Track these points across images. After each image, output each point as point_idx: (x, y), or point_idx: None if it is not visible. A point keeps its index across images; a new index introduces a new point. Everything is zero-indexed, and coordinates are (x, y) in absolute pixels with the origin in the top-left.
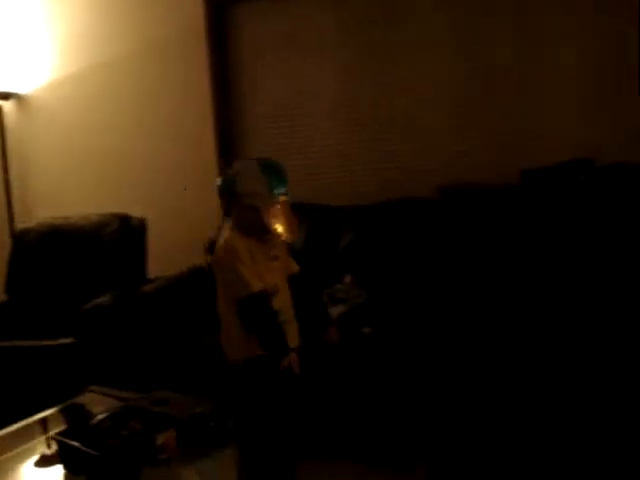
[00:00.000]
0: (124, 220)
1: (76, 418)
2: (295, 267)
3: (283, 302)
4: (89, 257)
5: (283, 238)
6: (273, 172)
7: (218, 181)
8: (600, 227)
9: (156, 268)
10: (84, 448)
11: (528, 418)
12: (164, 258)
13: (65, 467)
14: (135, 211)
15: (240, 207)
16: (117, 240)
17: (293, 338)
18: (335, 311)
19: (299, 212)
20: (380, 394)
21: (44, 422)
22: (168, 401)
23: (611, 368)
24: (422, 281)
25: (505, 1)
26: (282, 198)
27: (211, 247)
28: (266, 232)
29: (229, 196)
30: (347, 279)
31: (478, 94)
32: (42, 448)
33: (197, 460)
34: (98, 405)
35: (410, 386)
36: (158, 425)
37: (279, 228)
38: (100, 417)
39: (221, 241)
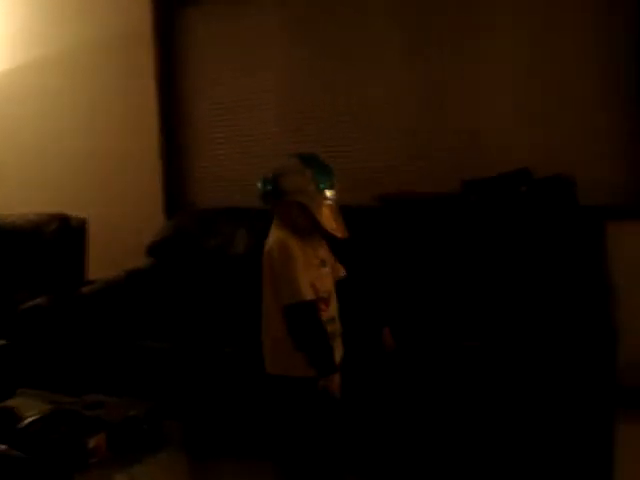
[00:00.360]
0: (63, 221)
1: (5, 421)
2: (342, 271)
3: (333, 311)
4: (27, 258)
5: (335, 235)
6: (316, 166)
7: (259, 185)
8: (538, 236)
9: (97, 269)
10: (12, 452)
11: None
12: (106, 259)
13: None
14: (76, 210)
15: (286, 206)
16: (56, 241)
17: (337, 352)
18: None
19: (242, 217)
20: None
21: None
22: (100, 404)
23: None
24: (361, 289)
25: (446, 19)
26: (329, 193)
27: (153, 249)
28: (317, 231)
29: (273, 196)
30: None
31: (424, 105)
32: None
33: (129, 464)
34: (29, 408)
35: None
36: (89, 428)
37: (330, 225)
38: (30, 420)
39: (270, 241)
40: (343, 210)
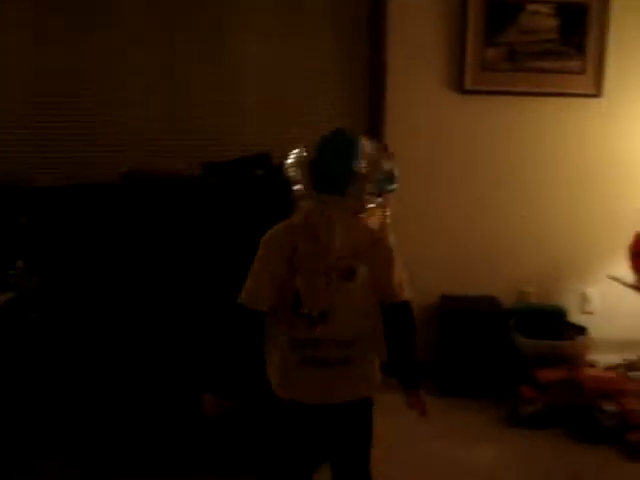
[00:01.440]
0: None
1: None
2: (394, 295)
3: (335, 335)
4: None
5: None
6: (324, 151)
7: None
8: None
9: None
10: None
11: None
12: None
13: None
14: None
15: None
16: None
17: (329, 388)
18: (3, 298)
19: None
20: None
21: None
22: None
23: None
24: (95, 268)
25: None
26: (326, 198)
27: None
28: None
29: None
30: (19, 264)
31: (168, 88)
32: None
33: None
34: None
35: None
36: None
37: (323, 240)
38: None
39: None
40: (82, 186)
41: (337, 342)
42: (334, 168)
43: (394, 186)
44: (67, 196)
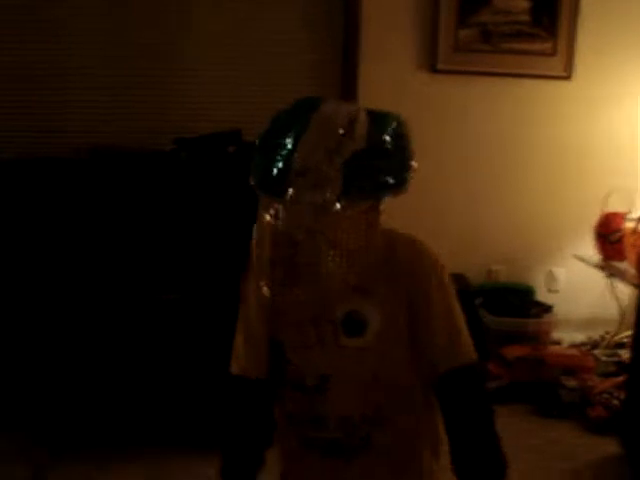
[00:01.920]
0: None
1: None
2: (441, 359)
3: (340, 411)
4: None
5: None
6: (272, 129)
7: None
8: (242, 195)
9: None
10: None
11: None
12: None
13: None
14: None
15: None
16: None
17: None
18: None
19: None
20: None
21: None
22: None
23: None
24: (62, 247)
25: None
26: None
27: None
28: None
29: None
30: None
31: (135, 62)
32: None
33: None
34: None
35: None
36: None
37: (261, 265)
38: None
39: None
40: (46, 162)
41: (344, 422)
42: (281, 156)
43: (403, 177)
44: (33, 170)
